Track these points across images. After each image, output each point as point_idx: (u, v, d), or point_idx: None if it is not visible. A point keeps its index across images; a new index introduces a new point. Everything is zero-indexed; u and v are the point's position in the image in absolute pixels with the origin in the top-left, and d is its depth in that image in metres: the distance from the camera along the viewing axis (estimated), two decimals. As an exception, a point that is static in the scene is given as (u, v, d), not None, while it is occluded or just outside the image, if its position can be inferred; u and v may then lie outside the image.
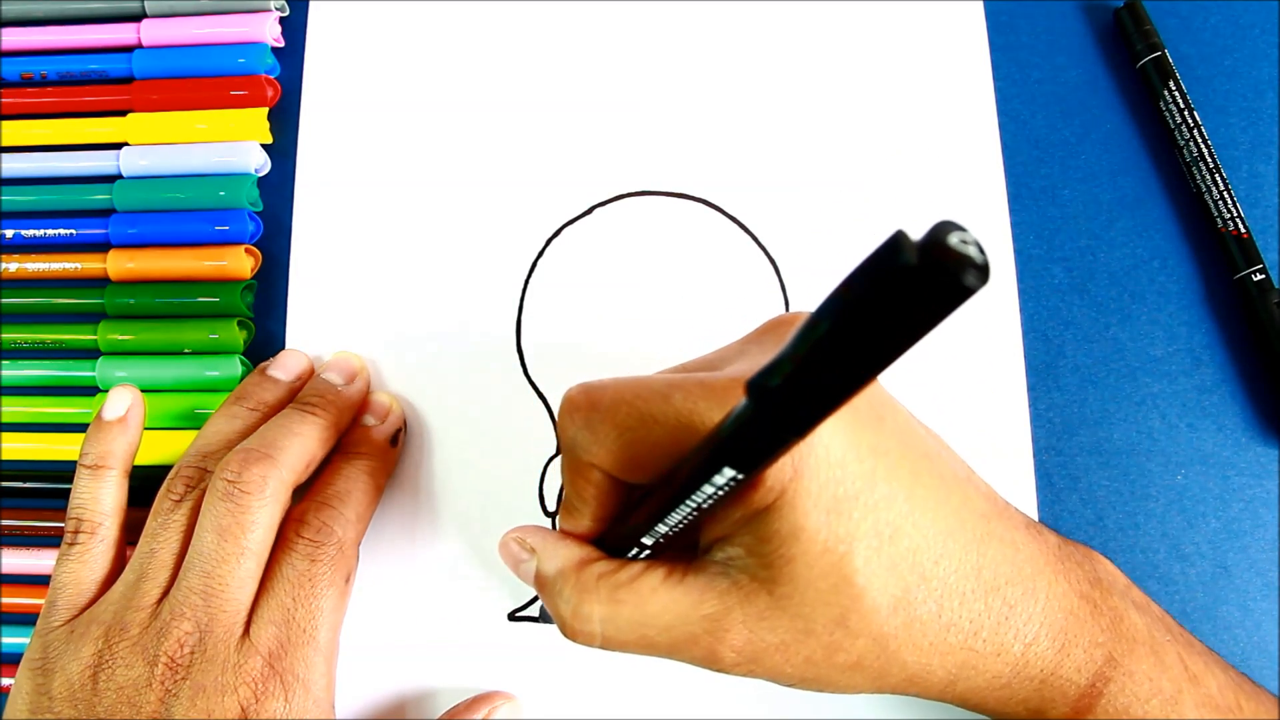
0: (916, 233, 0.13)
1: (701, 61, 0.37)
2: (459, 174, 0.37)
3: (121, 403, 0.32)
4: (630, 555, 0.24)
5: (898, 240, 0.13)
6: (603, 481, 0.24)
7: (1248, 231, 0.34)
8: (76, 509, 0.31)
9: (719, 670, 0.23)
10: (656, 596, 0.23)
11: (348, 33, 0.38)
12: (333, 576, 0.30)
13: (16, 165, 0.38)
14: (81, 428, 0.36)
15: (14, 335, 0.36)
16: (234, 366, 0.35)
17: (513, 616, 0.33)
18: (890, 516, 0.22)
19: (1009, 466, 0.33)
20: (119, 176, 0.37)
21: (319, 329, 0.36)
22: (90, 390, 0.36)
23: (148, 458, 0.34)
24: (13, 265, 0.37)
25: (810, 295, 0.35)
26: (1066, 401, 0.34)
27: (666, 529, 0.22)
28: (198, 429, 0.34)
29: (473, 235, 0.36)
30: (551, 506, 0.34)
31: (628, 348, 0.35)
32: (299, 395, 0.33)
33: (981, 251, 0.12)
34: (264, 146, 0.37)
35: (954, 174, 0.35)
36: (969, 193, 0.35)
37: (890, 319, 0.13)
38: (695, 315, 0.35)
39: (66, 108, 0.38)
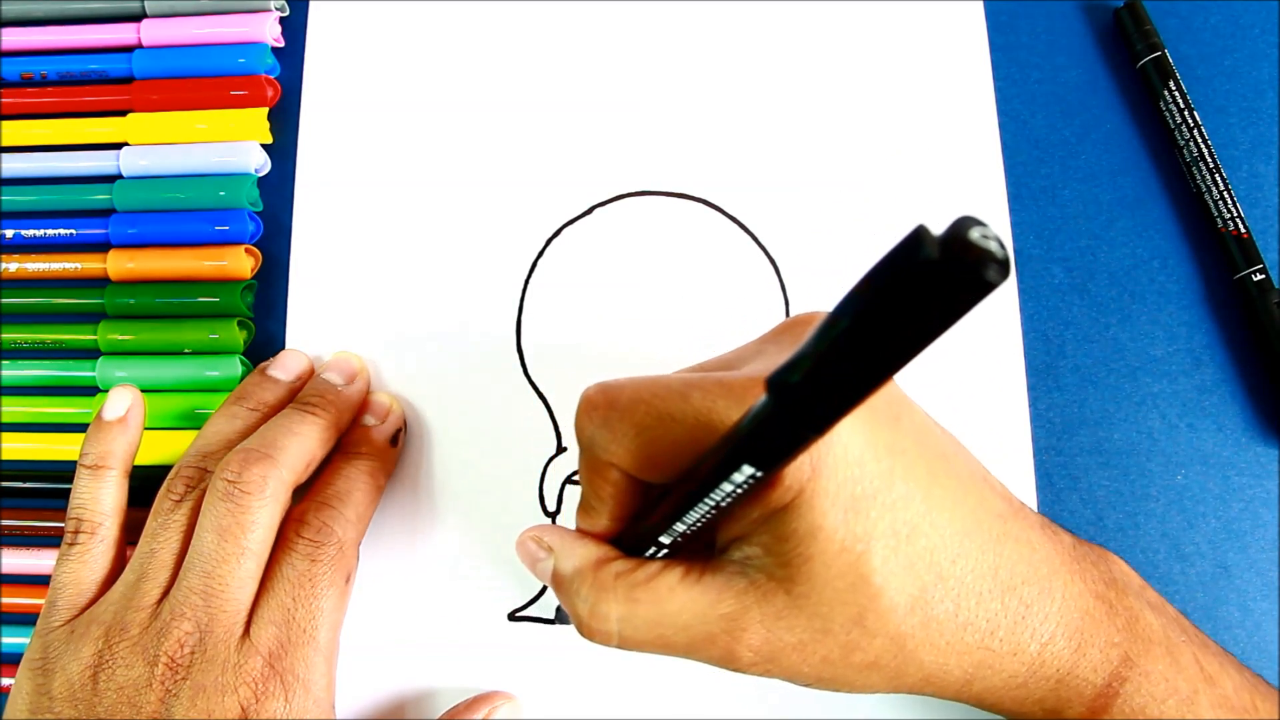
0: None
1: (701, 61, 0.37)
2: (459, 174, 0.37)
3: (121, 403, 0.32)
4: (647, 554, 0.24)
5: (919, 235, 0.13)
6: (620, 481, 0.24)
7: (1248, 231, 0.34)
8: (76, 509, 0.31)
9: (736, 670, 0.23)
10: (674, 596, 0.23)
11: (348, 33, 0.38)
12: (333, 576, 0.30)
13: (16, 165, 0.38)
14: (81, 428, 0.36)
15: (14, 335, 0.36)
16: (234, 366, 0.35)
17: (513, 616, 0.33)
18: (908, 516, 0.22)
19: (1009, 466, 0.33)
20: (119, 176, 0.37)
21: (319, 329, 0.36)
22: (90, 390, 0.36)
23: (148, 458, 0.34)
24: (13, 265, 0.37)
25: (810, 295, 0.35)
26: (1066, 401, 0.34)
27: (685, 528, 0.22)
28: (198, 429, 0.34)
29: (473, 235, 0.36)
30: (551, 506, 0.34)
31: (628, 348, 0.35)
32: (299, 395, 0.33)
33: (1002, 247, 0.12)
34: (264, 146, 0.37)
35: (954, 174, 0.35)
36: (969, 193, 0.35)
37: (911, 314, 0.13)
38: (695, 315, 0.35)
39: (66, 108, 0.38)
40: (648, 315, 0.35)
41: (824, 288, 0.35)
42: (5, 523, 0.35)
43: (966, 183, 0.35)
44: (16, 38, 0.39)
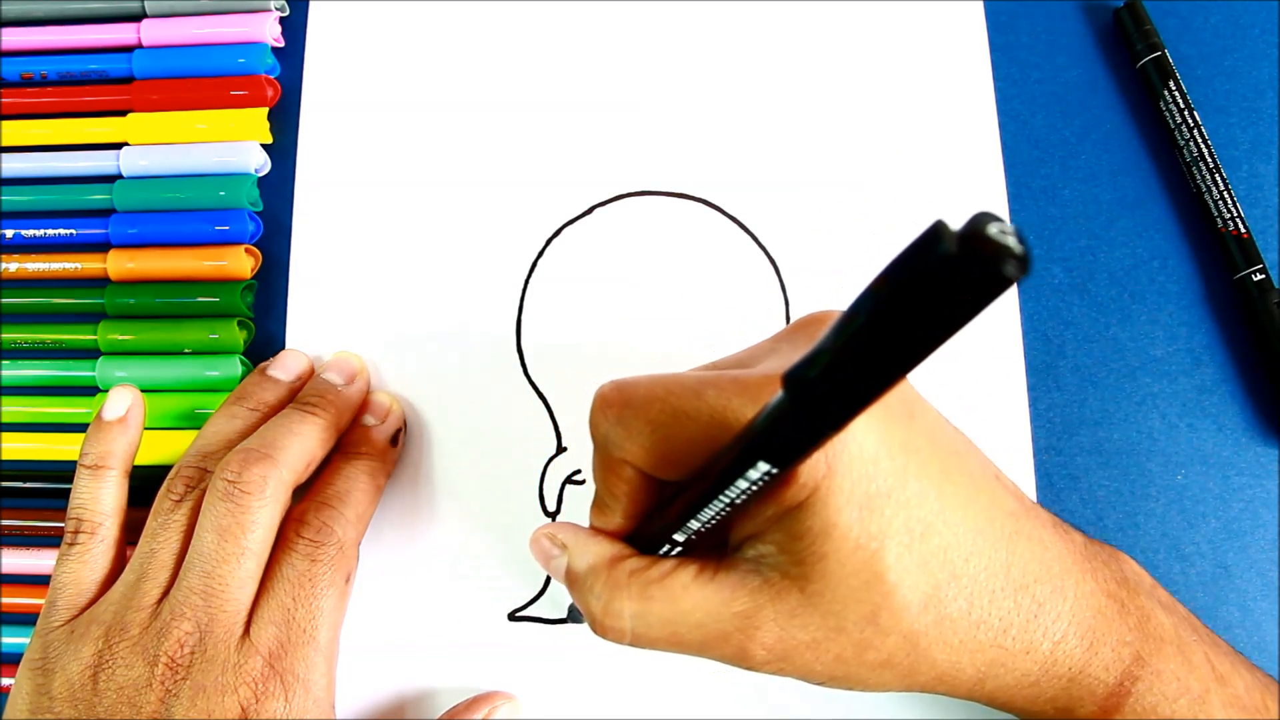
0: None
1: (701, 61, 0.37)
2: (459, 174, 0.37)
3: (121, 403, 0.32)
4: (661, 552, 0.24)
5: (937, 230, 0.13)
6: (635, 478, 0.24)
7: (1248, 231, 0.34)
8: (76, 509, 0.31)
9: (749, 668, 0.23)
10: (688, 593, 0.23)
11: (348, 33, 0.38)
12: (333, 576, 0.30)
13: (16, 165, 0.38)
14: (81, 428, 0.36)
15: (14, 335, 0.36)
16: (234, 366, 0.35)
17: (513, 616, 0.33)
18: (921, 514, 0.22)
19: (1009, 466, 0.33)
20: (119, 176, 0.37)
21: (319, 329, 0.36)
22: (90, 390, 0.36)
23: (148, 458, 0.34)
24: (13, 265, 0.37)
25: (810, 295, 0.35)
26: (1066, 401, 0.34)
27: (699, 525, 0.22)
28: (198, 429, 0.34)
29: (473, 235, 0.36)
30: (551, 506, 0.34)
31: (628, 347, 0.35)
32: (299, 395, 0.33)
33: (1021, 242, 0.12)
34: (264, 146, 0.37)
35: (954, 174, 0.35)
36: (969, 193, 0.35)
37: (929, 309, 0.13)
38: (695, 315, 0.35)
39: (66, 108, 0.38)
40: (648, 315, 0.35)
41: (824, 288, 0.35)
42: (5, 523, 0.35)
43: (966, 183, 0.35)
44: (16, 38, 0.39)
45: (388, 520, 0.34)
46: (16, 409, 0.36)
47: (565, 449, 0.34)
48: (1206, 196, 0.34)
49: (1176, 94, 0.35)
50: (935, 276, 0.13)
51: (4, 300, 0.37)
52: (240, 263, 0.36)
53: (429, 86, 0.37)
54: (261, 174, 0.38)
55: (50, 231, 0.37)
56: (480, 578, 0.33)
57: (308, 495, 0.31)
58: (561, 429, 0.34)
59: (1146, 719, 0.24)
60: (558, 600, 0.33)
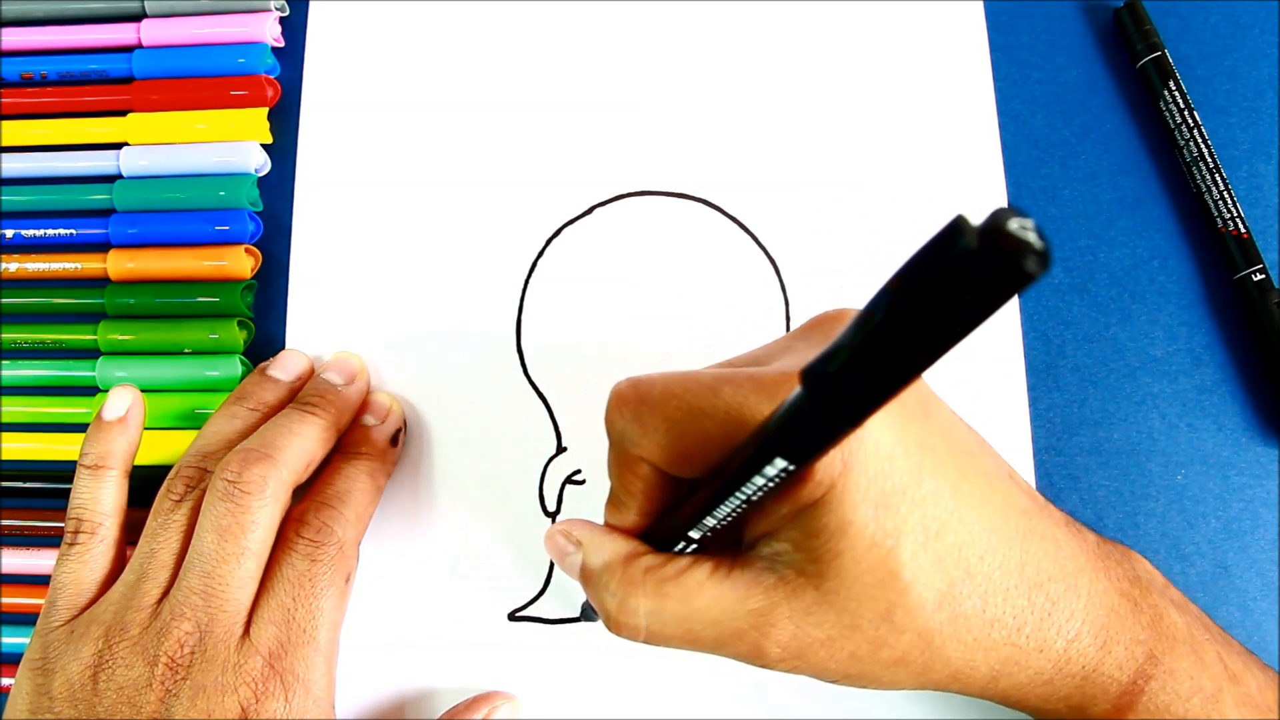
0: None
1: (701, 61, 0.37)
2: (459, 174, 0.37)
3: (121, 403, 0.32)
4: (675, 550, 0.24)
5: (958, 225, 0.13)
6: (650, 475, 0.24)
7: (1248, 231, 0.34)
8: (76, 509, 0.31)
9: (764, 666, 0.23)
10: (703, 591, 0.23)
11: (348, 33, 0.38)
12: (333, 576, 0.30)
13: (16, 165, 0.38)
14: (81, 428, 0.36)
15: (14, 335, 0.36)
16: (234, 366, 0.35)
17: (513, 616, 0.33)
18: (936, 512, 0.22)
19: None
20: (119, 176, 0.37)
21: (319, 329, 0.36)
22: (90, 390, 0.36)
23: (148, 458, 0.34)
24: (13, 265, 0.37)
25: (810, 295, 0.35)
26: (1066, 401, 0.34)
27: (715, 522, 0.22)
28: (198, 429, 0.34)
29: (473, 235, 0.36)
30: (551, 506, 0.34)
31: (628, 347, 0.35)
32: (299, 395, 0.33)
33: (1042, 238, 0.12)
34: (264, 146, 0.37)
35: (954, 174, 0.35)
36: (969, 193, 0.35)
37: (950, 304, 0.13)
38: (695, 315, 0.35)
39: (66, 108, 0.38)
40: (648, 315, 0.35)
41: (824, 288, 0.35)
42: (5, 523, 0.35)
43: (966, 183, 0.35)
44: (16, 38, 0.39)
45: (388, 520, 0.34)
46: (16, 409, 0.36)
47: (565, 449, 0.34)
48: (1206, 196, 0.34)
49: (1176, 94, 0.35)
50: (956, 271, 0.13)
51: (4, 300, 0.37)
52: (240, 263, 0.36)
53: (429, 87, 0.37)
54: (261, 174, 0.38)
55: (50, 231, 0.37)
56: (480, 578, 0.33)
57: (308, 495, 0.31)
58: (561, 429, 0.34)
59: (1160, 718, 0.24)
60: (558, 600, 0.33)
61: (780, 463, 0.18)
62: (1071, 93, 0.36)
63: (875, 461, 0.21)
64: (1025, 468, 0.33)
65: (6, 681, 0.34)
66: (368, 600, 0.33)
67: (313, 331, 0.36)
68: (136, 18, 0.38)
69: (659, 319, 0.35)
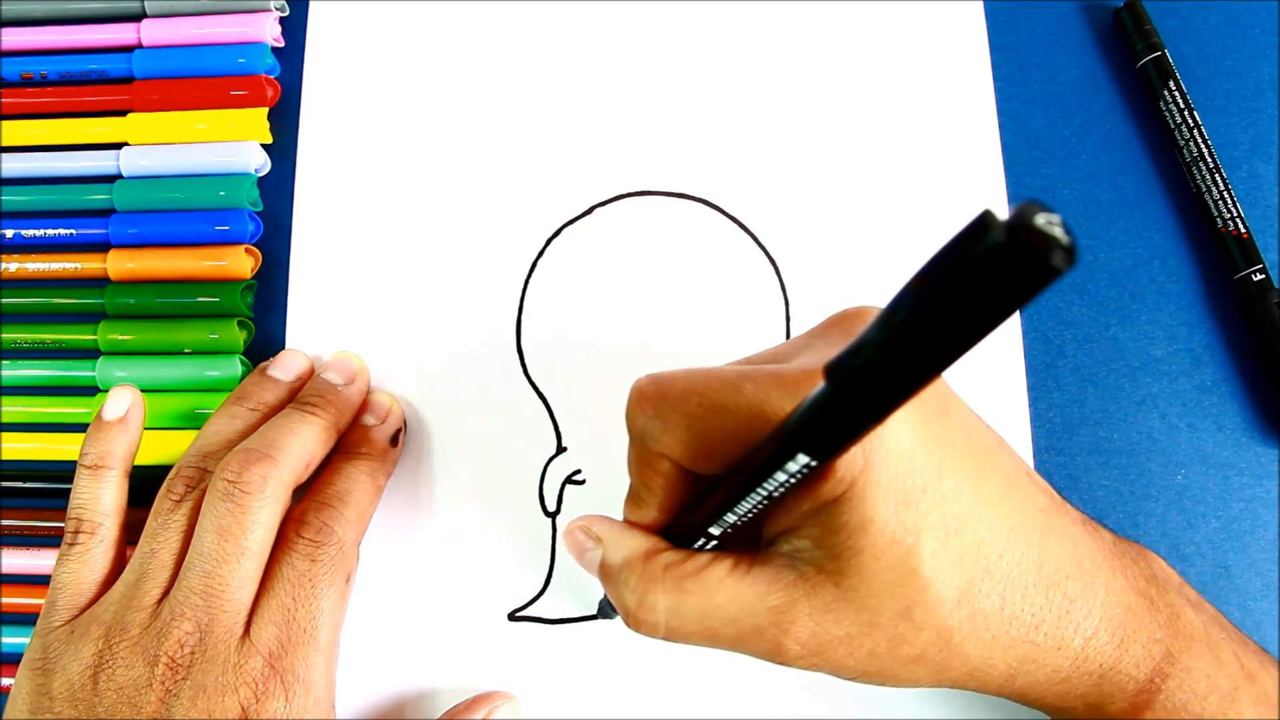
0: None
1: (701, 61, 0.37)
2: (459, 174, 0.37)
3: (121, 403, 0.32)
4: (695, 547, 0.24)
5: (985, 219, 0.13)
6: (670, 472, 0.24)
7: (1248, 231, 0.34)
8: (76, 509, 0.31)
9: (782, 663, 0.23)
10: (723, 588, 0.23)
11: (348, 33, 0.38)
12: (333, 576, 0.30)
13: (16, 165, 0.38)
14: (81, 428, 0.36)
15: (14, 335, 0.36)
16: (234, 366, 0.35)
17: (513, 616, 0.33)
18: (956, 509, 0.22)
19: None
20: (119, 176, 0.37)
21: (319, 329, 0.36)
22: (90, 390, 0.36)
23: (148, 458, 0.34)
24: (13, 265, 0.37)
25: (810, 295, 0.35)
26: (1066, 401, 0.34)
27: (735, 518, 0.22)
28: (198, 429, 0.34)
29: (473, 235, 0.36)
30: (551, 506, 0.34)
31: (628, 348, 0.35)
32: (299, 395, 0.33)
33: (1068, 233, 0.12)
34: (264, 146, 0.37)
35: (954, 174, 0.35)
36: (969, 193, 0.35)
37: (976, 299, 0.13)
38: (695, 315, 0.35)
39: (66, 108, 0.38)
40: (648, 315, 0.35)
41: (824, 288, 0.35)
42: (5, 523, 0.35)
43: (966, 183, 0.35)
44: (16, 38, 0.39)
45: (388, 520, 0.34)
46: (16, 409, 0.36)
47: (565, 449, 0.34)
48: (1206, 196, 0.34)
49: (1176, 94, 0.35)
50: (983, 266, 0.13)
51: (4, 300, 0.37)
52: (240, 263, 0.36)
53: (429, 87, 0.37)
54: (261, 174, 0.38)
55: (50, 231, 0.37)
56: (480, 578, 0.33)
57: (308, 495, 0.31)
58: (561, 429, 0.34)
59: (1176, 717, 0.24)
60: (558, 600, 0.33)
61: (803, 458, 0.18)
62: (1071, 93, 0.36)
63: (896, 459, 0.21)
64: (1025, 468, 0.33)
65: (6, 681, 0.34)
66: (368, 600, 0.33)
67: (313, 331, 0.36)
68: (136, 18, 0.38)
69: (659, 319, 0.35)
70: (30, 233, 0.37)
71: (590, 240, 0.36)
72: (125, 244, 0.36)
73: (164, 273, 0.36)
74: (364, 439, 0.33)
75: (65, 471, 0.35)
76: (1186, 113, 0.35)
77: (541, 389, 0.35)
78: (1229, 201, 0.34)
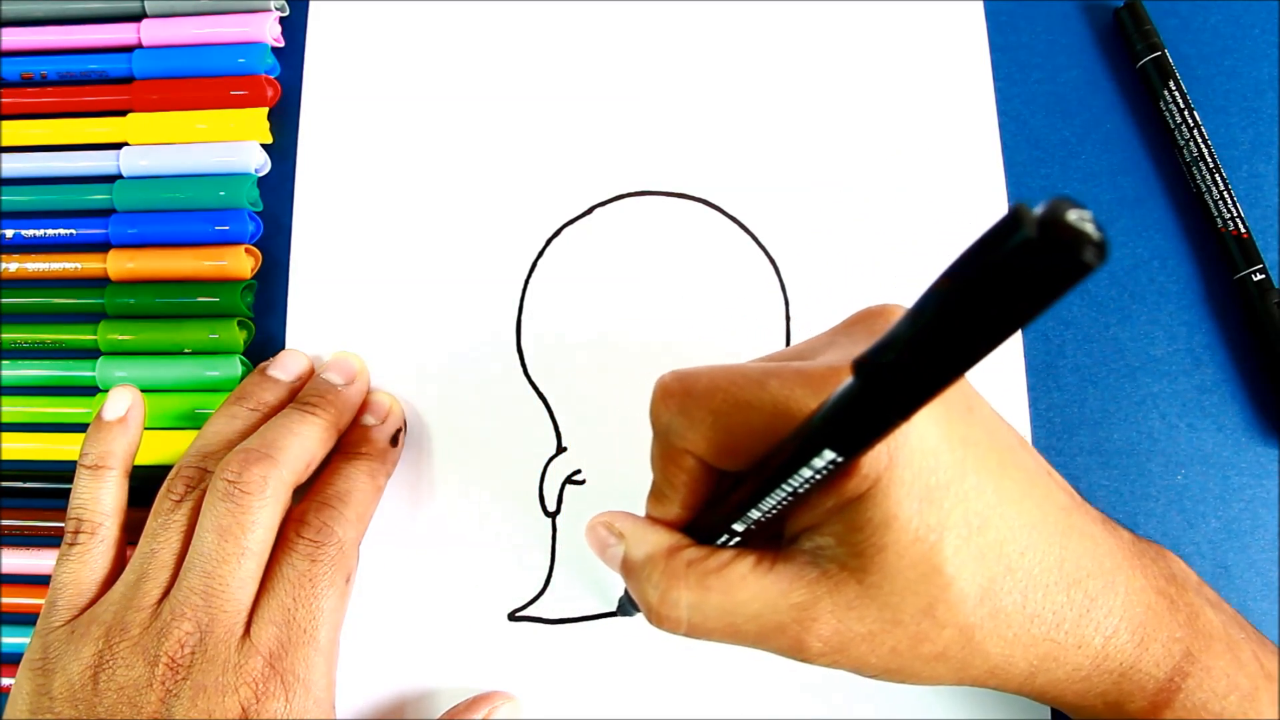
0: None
1: (701, 61, 0.37)
2: (459, 174, 0.37)
3: (121, 403, 0.32)
4: (718, 543, 0.24)
5: (1017, 214, 0.13)
6: (695, 468, 0.24)
7: (1248, 231, 0.34)
8: (76, 509, 0.31)
9: (804, 660, 0.23)
10: (746, 584, 0.23)
11: (348, 33, 0.38)
12: (333, 576, 0.30)
13: (16, 165, 0.38)
14: (81, 428, 0.36)
15: (14, 335, 0.36)
16: (234, 366, 0.35)
17: (513, 616, 0.33)
18: (979, 507, 0.22)
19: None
20: (119, 176, 0.37)
21: (319, 329, 0.36)
22: (90, 390, 0.36)
23: (148, 458, 0.34)
24: (13, 265, 0.37)
25: (810, 295, 0.35)
26: (1066, 401, 0.34)
27: (759, 515, 0.22)
28: (198, 429, 0.34)
29: (473, 235, 0.36)
30: (551, 506, 0.34)
31: (628, 348, 0.35)
32: (299, 395, 0.33)
33: (1099, 229, 0.12)
34: (264, 146, 0.37)
35: (954, 174, 0.35)
36: (969, 193, 0.35)
37: (1007, 294, 0.13)
38: (695, 315, 0.35)
39: (66, 108, 0.38)
40: (648, 315, 0.35)
41: (824, 288, 0.35)
42: (5, 523, 0.35)
43: (966, 183, 0.35)
44: (16, 38, 0.39)
45: (388, 520, 0.34)
46: (16, 409, 0.36)
47: (565, 449, 0.34)
48: (1206, 196, 0.34)
49: (1176, 94, 0.35)
50: (1014, 262, 0.13)
51: (4, 300, 0.37)
52: (240, 263, 0.36)
53: (429, 86, 0.37)
54: (261, 174, 0.38)
55: (50, 231, 0.37)
56: (480, 578, 0.33)
57: (308, 495, 0.31)
58: (561, 429, 0.34)
59: (1196, 716, 0.24)
60: (558, 600, 0.33)
61: (828, 454, 0.18)
62: (1071, 93, 0.36)
63: (920, 456, 0.21)
64: (1025, 468, 0.33)
65: (6, 681, 0.34)
66: (368, 600, 0.33)
67: (313, 331, 0.36)
68: (136, 18, 0.38)
69: (659, 319, 0.35)
70: (30, 233, 0.37)
71: (590, 240, 0.36)
72: (125, 244, 0.36)
73: (164, 273, 0.36)
74: (364, 439, 0.33)
75: (65, 471, 0.35)
76: (1186, 113, 0.35)
77: (541, 389, 0.35)
78: (1229, 201, 0.34)
